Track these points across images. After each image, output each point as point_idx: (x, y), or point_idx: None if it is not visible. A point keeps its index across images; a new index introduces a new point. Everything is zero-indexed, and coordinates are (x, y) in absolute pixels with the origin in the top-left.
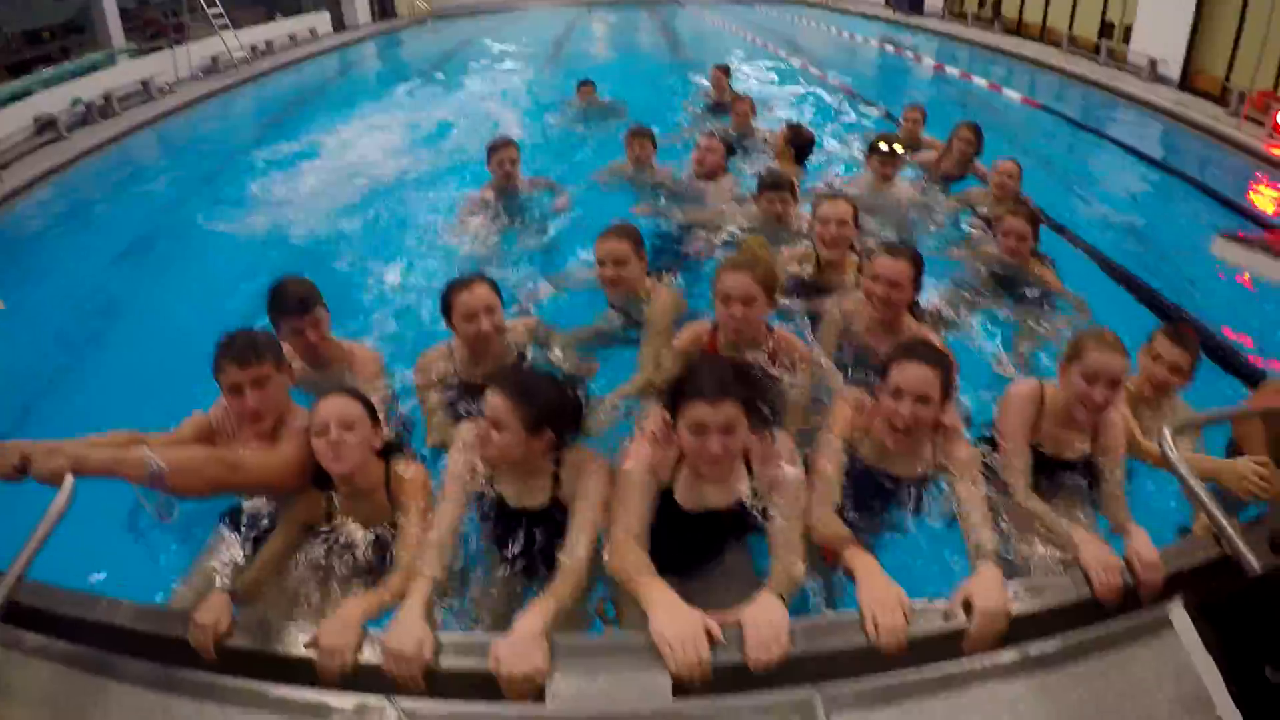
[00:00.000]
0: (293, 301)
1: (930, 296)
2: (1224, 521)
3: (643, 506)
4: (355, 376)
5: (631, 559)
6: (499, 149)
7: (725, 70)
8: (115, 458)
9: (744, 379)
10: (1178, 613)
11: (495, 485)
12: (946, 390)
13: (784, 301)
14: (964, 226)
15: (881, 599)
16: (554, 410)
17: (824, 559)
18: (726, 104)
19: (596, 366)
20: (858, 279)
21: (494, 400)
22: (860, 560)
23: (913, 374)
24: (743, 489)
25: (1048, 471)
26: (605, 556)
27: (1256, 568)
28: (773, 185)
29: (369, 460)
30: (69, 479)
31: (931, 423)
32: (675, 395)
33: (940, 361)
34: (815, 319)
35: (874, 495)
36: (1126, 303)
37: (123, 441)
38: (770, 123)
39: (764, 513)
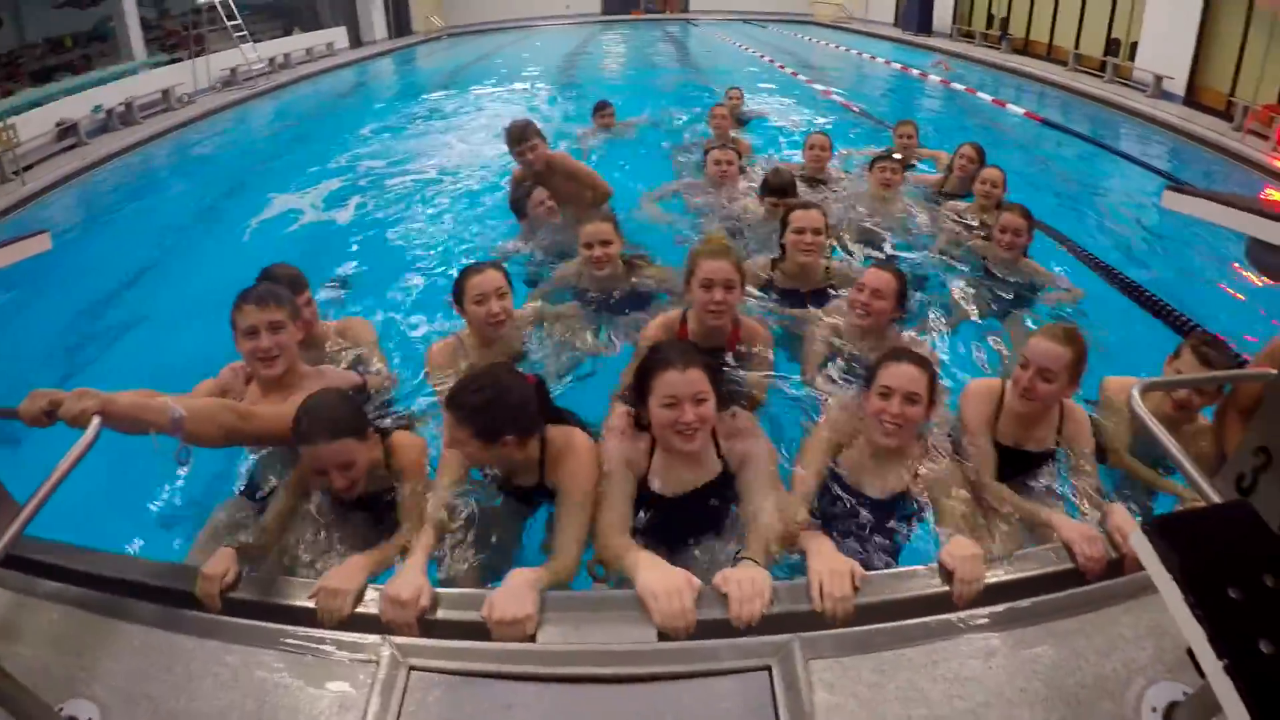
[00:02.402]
0: (285, 281)
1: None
2: (1189, 466)
3: (622, 502)
4: (352, 348)
5: (617, 543)
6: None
7: (739, 93)
8: (140, 403)
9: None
10: (1137, 537)
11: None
12: (932, 394)
13: (754, 294)
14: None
15: (832, 567)
16: (508, 416)
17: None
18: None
19: (610, 349)
20: (825, 279)
21: (445, 419)
22: (813, 539)
23: (901, 372)
24: (714, 466)
25: (1012, 464)
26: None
27: (1218, 501)
28: (778, 190)
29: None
30: (96, 420)
31: (919, 422)
32: (643, 375)
33: (927, 365)
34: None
35: (843, 510)
36: (1133, 313)
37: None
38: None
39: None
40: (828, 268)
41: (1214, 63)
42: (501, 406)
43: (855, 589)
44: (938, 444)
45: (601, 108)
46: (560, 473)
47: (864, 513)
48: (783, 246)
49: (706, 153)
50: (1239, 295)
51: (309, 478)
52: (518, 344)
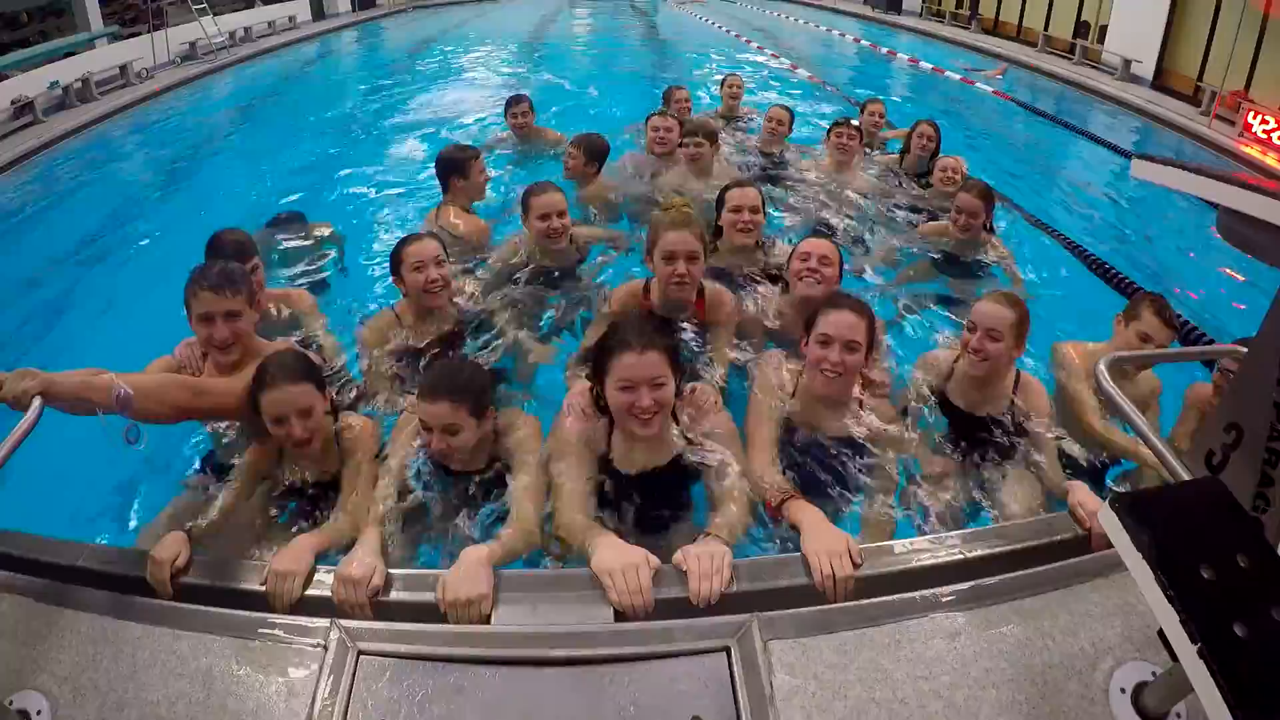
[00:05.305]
0: (231, 249)
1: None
2: (1157, 441)
3: (580, 480)
4: (296, 317)
5: (577, 522)
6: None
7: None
8: (84, 382)
9: (667, 331)
10: (1105, 513)
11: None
12: (871, 340)
13: None
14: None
15: (831, 548)
16: (485, 389)
17: (769, 517)
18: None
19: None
20: (764, 261)
21: (437, 410)
22: (804, 512)
23: (839, 320)
24: (676, 444)
25: (964, 427)
26: (553, 526)
27: (1188, 478)
28: (690, 132)
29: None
30: (37, 401)
31: (858, 369)
32: (601, 355)
33: (865, 310)
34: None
35: (806, 453)
36: (1099, 289)
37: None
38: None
39: (699, 464)
40: (761, 245)
41: (1183, 48)
42: (483, 380)
43: (856, 565)
44: (880, 379)
45: (515, 103)
46: (508, 443)
47: (828, 451)
48: (720, 227)
49: (647, 120)
50: (1203, 271)
51: (264, 454)
52: (454, 317)
